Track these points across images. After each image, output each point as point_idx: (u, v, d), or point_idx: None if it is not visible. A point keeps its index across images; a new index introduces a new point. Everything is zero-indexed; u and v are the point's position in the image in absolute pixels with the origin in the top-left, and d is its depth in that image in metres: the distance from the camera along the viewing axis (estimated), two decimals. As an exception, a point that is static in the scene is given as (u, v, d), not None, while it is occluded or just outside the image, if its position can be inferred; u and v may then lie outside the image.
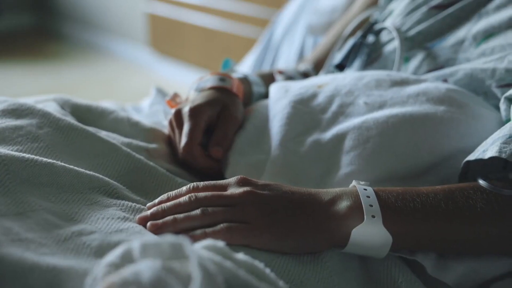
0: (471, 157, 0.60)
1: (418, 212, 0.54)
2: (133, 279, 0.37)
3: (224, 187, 0.56)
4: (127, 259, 0.40)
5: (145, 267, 0.38)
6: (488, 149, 0.59)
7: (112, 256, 0.41)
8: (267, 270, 0.45)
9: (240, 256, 0.45)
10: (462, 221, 0.55)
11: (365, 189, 0.56)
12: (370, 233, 0.53)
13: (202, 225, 0.52)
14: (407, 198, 0.55)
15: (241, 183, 0.56)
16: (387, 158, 0.63)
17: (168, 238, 0.40)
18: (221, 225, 0.52)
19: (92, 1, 3.53)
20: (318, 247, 0.54)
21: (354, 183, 0.58)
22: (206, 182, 0.57)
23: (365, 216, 0.53)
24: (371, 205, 0.54)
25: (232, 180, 0.57)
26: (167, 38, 2.98)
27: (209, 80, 0.77)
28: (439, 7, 0.80)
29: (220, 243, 0.45)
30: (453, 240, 0.56)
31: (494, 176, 0.58)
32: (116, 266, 0.40)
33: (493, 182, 0.57)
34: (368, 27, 0.90)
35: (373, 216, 0.53)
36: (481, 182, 0.57)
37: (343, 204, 0.54)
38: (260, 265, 0.45)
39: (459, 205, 0.55)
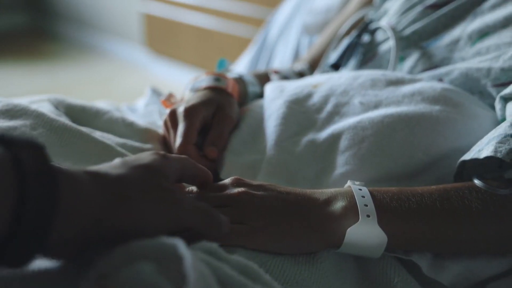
0: (467, 156, 0.60)
1: (413, 212, 0.54)
2: (127, 281, 0.37)
3: (219, 188, 0.56)
4: (121, 260, 0.40)
5: (139, 269, 0.37)
6: (483, 148, 0.59)
7: (107, 257, 0.40)
8: (262, 271, 0.45)
9: (235, 257, 0.44)
10: (458, 221, 0.55)
11: (360, 189, 0.55)
12: (365, 233, 0.53)
13: (196, 226, 0.52)
14: (402, 198, 0.55)
15: (235, 184, 0.56)
16: (383, 158, 0.63)
17: (162, 239, 0.40)
18: (216, 226, 0.51)
19: (88, 1, 3.52)
20: (313, 247, 0.54)
21: (349, 183, 0.58)
22: (201, 183, 0.57)
23: (360, 216, 0.53)
24: (366, 205, 0.53)
25: (226, 181, 0.57)
26: (163, 38, 2.98)
27: (204, 80, 0.77)
28: (434, 7, 0.80)
29: (214, 244, 0.45)
30: (448, 240, 0.56)
31: (489, 176, 0.58)
32: (110, 267, 0.39)
33: (489, 181, 0.57)
34: (363, 27, 0.90)
35: (368, 216, 0.53)
36: (477, 181, 0.57)
37: (338, 204, 0.54)
38: (254, 266, 0.45)
39: (455, 205, 0.55)
